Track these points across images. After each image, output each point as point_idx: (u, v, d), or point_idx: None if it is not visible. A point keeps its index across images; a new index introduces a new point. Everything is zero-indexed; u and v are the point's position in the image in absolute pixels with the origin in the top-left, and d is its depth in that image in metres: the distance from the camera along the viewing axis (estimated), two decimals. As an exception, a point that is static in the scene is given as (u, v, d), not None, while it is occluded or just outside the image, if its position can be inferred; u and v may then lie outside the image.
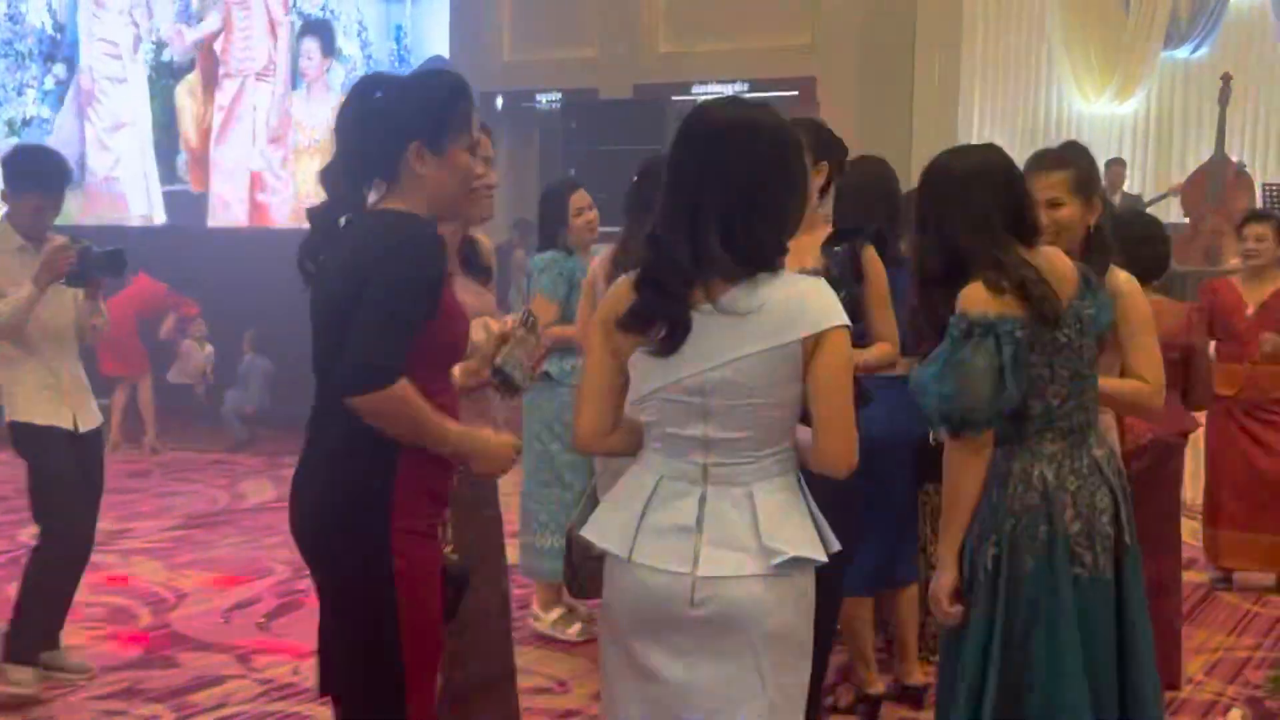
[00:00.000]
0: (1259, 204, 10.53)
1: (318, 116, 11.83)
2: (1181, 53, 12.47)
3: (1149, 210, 10.01)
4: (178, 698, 4.48)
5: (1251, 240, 5.99)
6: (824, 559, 2.35)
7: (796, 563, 2.30)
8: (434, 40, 13.03)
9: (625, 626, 2.38)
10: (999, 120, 13.20)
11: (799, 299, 2.30)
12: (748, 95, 13.99)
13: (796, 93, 13.54)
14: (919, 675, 4.41)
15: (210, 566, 6.28)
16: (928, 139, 13.05)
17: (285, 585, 5.92)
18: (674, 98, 14.48)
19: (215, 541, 6.81)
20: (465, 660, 3.31)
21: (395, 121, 2.58)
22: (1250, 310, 5.97)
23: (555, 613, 5.16)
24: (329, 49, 12.07)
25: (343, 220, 2.64)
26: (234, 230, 12.28)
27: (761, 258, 2.31)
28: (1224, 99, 11.05)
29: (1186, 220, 10.73)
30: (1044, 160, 3.36)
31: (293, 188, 12.14)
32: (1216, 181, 10.66)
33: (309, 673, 4.72)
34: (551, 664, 4.86)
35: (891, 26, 12.87)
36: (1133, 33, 12.33)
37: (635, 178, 4.38)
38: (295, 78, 12.50)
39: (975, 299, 2.74)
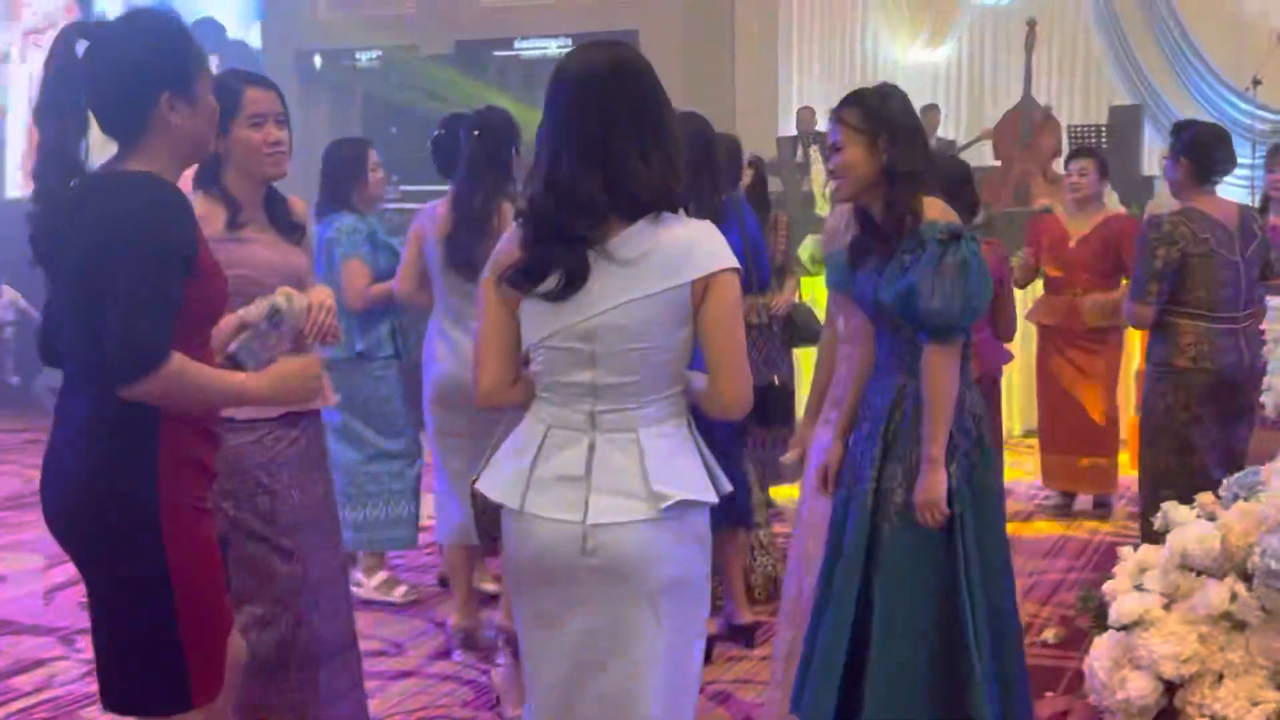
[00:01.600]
0: (1064, 145, 10.93)
1: None
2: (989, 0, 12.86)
3: (963, 154, 10.35)
4: (1, 680, 4.34)
5: (1075, 174, 6.25)
6: (714, 500, 2.39)
7: (687, 505, 2.33)
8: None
9: (527, 577, 2.39)
10: (818, 69, 13.41)
11: (687, 242, 2.31)
12: (570, 49, 14.07)
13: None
14: (748, 615, 4.50)
15: (29, 549, 6.06)
16: (750, 88, 13.25)
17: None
18: (496, 53, 14.42)
19: (30, 523, 6.57)
20: (317, 627, 3.28)
21: (139, 74, 2.42)
22: (1073, 243, 6.22)
23: (379, 577, 5.12)
24: (86, 13, 11.22)
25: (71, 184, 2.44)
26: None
27: (664, 197, 2.32)
28: (1030, 44, 11.39)
29: (998, 163, 11.05)
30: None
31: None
32: (1025, 124, 10.98)
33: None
34: (385, 627, 4.83)
35: (709, -24, 12.99)
36: (943, -20, 12.66)
37: (475, 132, 4.32)
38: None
39: (941, 209, 3.01)
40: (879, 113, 3.12)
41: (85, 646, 4.64)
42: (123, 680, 2.49)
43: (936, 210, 3.06)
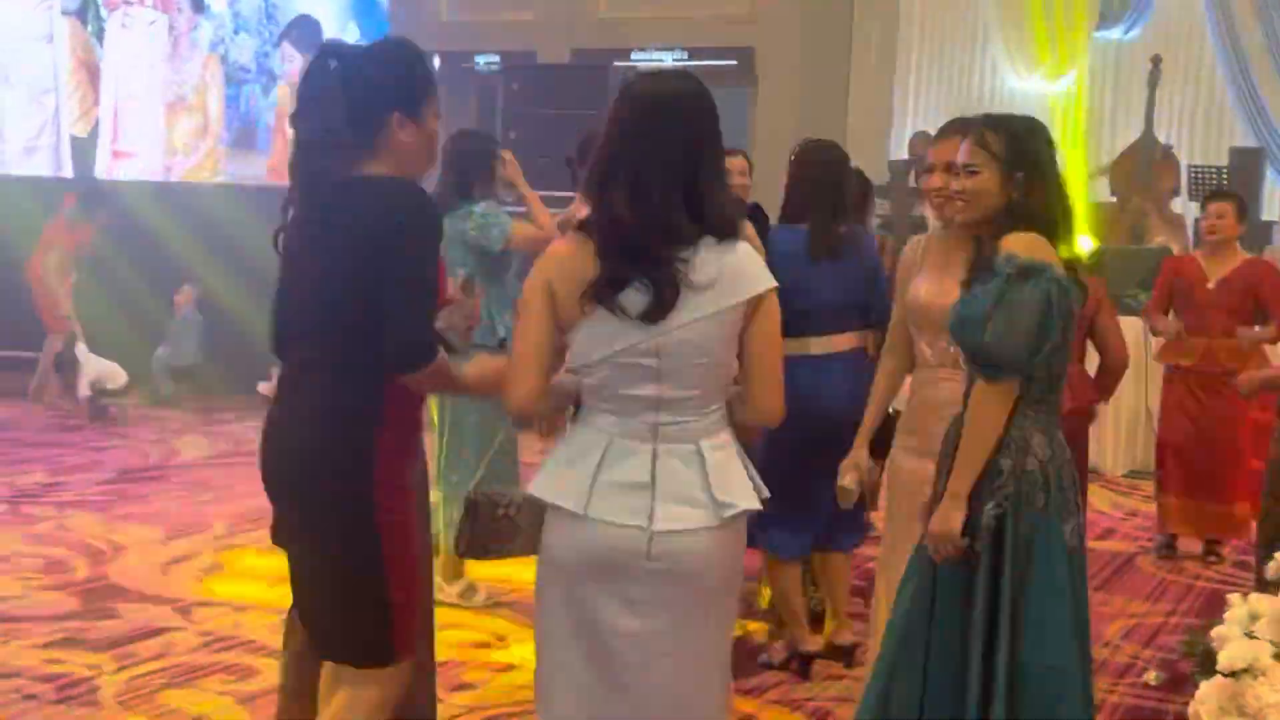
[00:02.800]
0: (1184, 185, 10.80)
1: (184, 73, 11.40)
2: (1114, 33, 12.70)
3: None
4: (118, 648, 4.49)
5: (1213, 217, 6.20)
6: (759, 508, 2.48)
7: (739, 514, 2.44)
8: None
9: (576, 578, 2.44)
10: (934, 95, 13.35)
11: (740, 263, 2.42)
12: (687, 64, 14.12)
13: (735, 62, 13.65)
14: (849, 635, 4.53)
15: (147, 520, 6.26)
16: (863, 113, 13.24)
17: (223, 541, 5.93)
18: (614, 64, 14.53)
19: (150, 496, 6.78)
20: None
21: (377, 91, 2.69)
22: (1211, 284, 6.17)
23: (459, 585, 5.10)
24: (197, 5, 11.35)
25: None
26: (154, 184, 11.93)
27: (731, 225, 2.41)
28: (1153, 81, 11.27)
29: (1114, 199, 10.94)
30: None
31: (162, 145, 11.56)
32: (1143, 162, 10.88)
33: (250, 625, 4.80)
34: (486, 620, 4.92)
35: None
36: (1066, 12, 12.53)
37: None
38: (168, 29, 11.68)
39: (1027, 244, 2.86)
40: (1023, 146, 2.99)
41: (202, 619, 4.84)
42: (332, 635, 2.76)
43: (1027, 240, 2.89)
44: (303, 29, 11.41)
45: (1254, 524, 6.25)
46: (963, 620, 2.95)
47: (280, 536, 2.84)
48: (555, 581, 2.50)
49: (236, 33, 11.11)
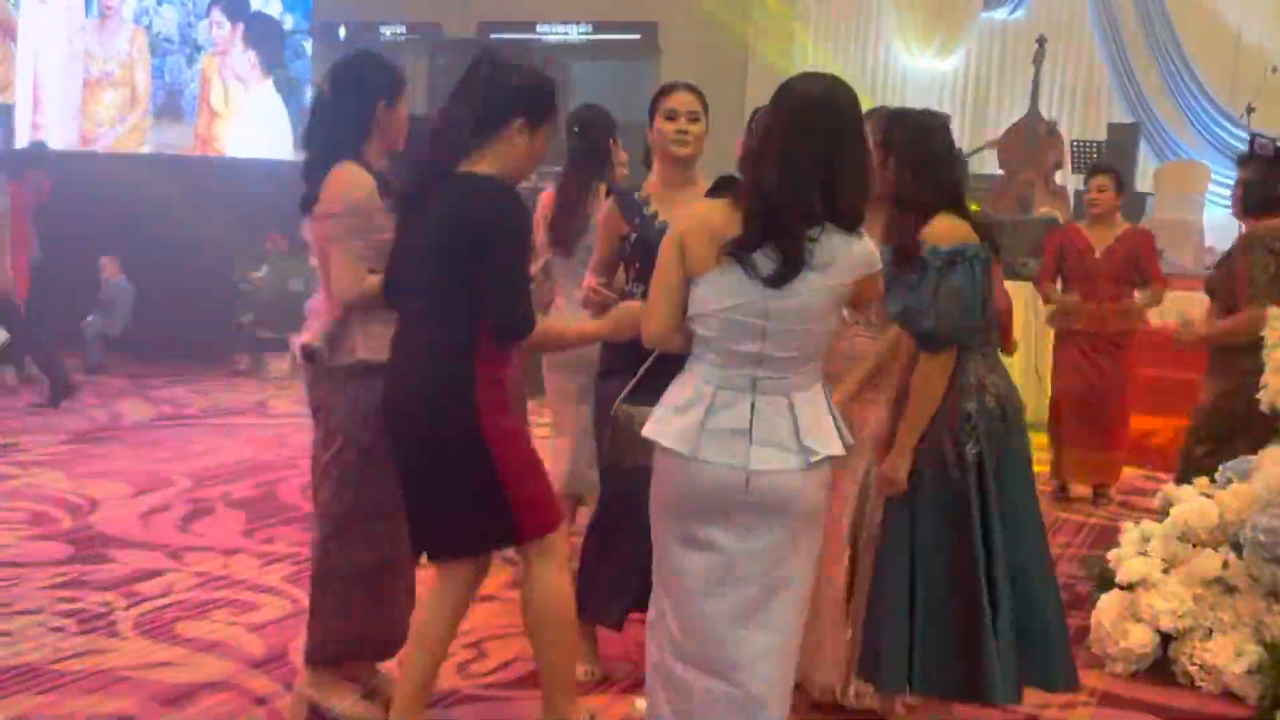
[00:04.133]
0: (1068, 159, 11.51)
1: (111, 46, 11.52)
2: (1000, 14, 13.41)
3: (967, 162, 10.89)
4: (125, 586, 4.85)
5: (1095, 190, 6.80)
6: (844, 454, 2.91)
7: (825, 457, 2.86)
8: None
9: (687, 509, 2.86)
10: (829, 67, 13.76)
11: (852, 250, 2.80)
12: (592, 37, 14.49)
13: (639, 36, 14.06)
14: None
15: (112, 477, 6.55)
16: (764, 87, 13.73)
17: (190, 494, 6.27)
18: (517, 35, 14.80)
19: (109, 456, 7.06)
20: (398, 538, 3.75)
21: (508, 99, 3.25)
22: (1097, 253, 6.77)
23: None
24: None
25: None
26: (86, 154, 12.13)
27: (857, 217, 2.81)
28: (1038, 59, 11.95)
29: (1001, 172, 11.60)
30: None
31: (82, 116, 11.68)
32: (1029, 137, 11.53)
33: (239, 567, 5.17)
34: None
35: (730, -26, 13.38)
36: (956, -8, 13.20)
37: (575, 128, 4.83)
38: (89, 3, 11.98)
39: (948, 232, 3.34)
40: (887, 135, 3.49)
41: (193, 561, 5.20)
42: (457, 531, 3.37)
43: (944, 228, 3.37)
44: (231, 4, 11.61)
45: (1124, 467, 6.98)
46: (961, 544, 3.41)
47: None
48: (665, 511, 2.92)
49: (160, 4, 11.24)
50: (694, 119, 3.93)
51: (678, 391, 2.90)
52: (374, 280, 3.51)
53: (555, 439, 4.97)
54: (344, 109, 3.59)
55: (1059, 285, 6.96)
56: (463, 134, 3.24)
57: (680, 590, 2.92)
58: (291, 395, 9.23)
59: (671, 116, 3.93)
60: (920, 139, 3.47)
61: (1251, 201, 3.84)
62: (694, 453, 2.81)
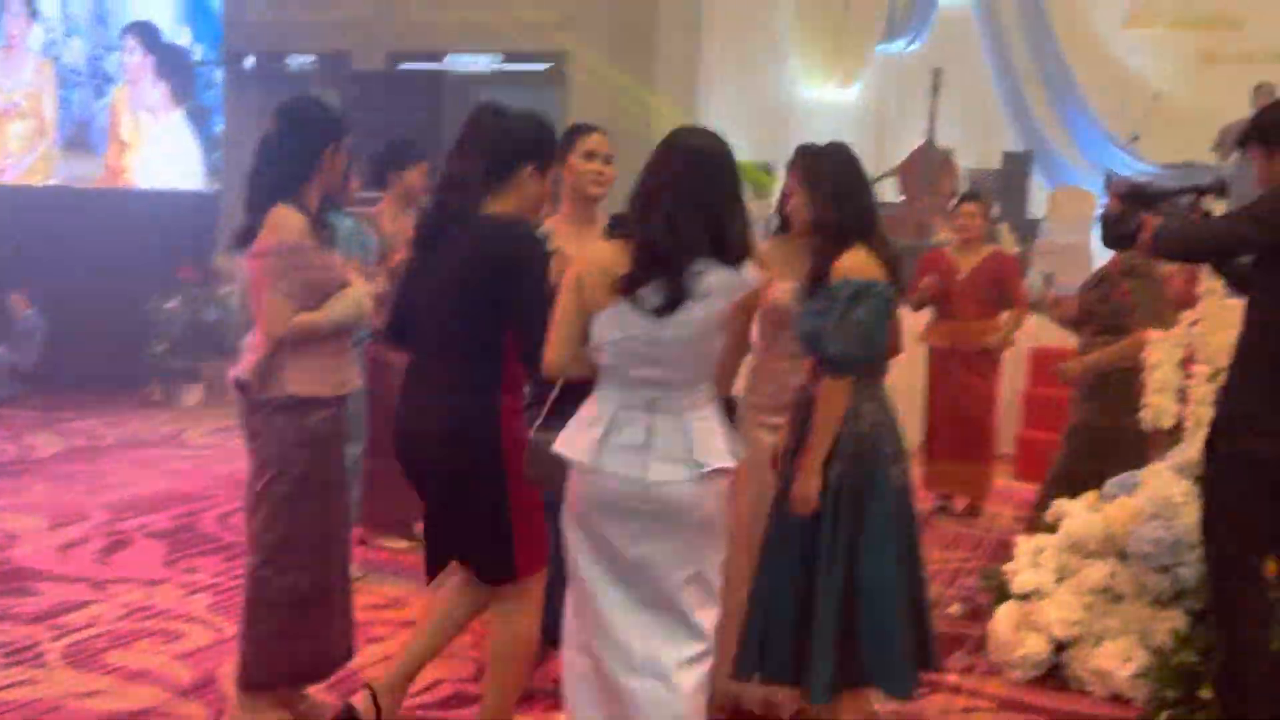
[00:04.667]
0: (963, 186, 11.91)
1: (16, 78, 11.35)
2: (897, 47, 13.83)
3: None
4: (50, 618, 4.90)
5: (965, 217, 7.13)
6: (734, 466, 3.14)
7: (718, 470, 3.10)
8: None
9: (594, 517, 3.11)
10: (734, 100, 14.16)
11: (726, 276, 3.06)
12: (502, 67, 14.63)
13: (549, 66, 14.24)
14: None
15: (29, 511, 6.55)
16: (669, 117, 13.99)
17: (108, 526, 6.30)
18: (426, 65, 14.87)
19: (23, 489, 7.05)
20: (330, 565, 3.90)
21: (519, 146, 3.53)
22: (962, 276, 7.10)
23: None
24: (30, 9, 11.23)
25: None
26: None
27: (741, 253, 3.07)
28: (935, 90, 12.35)
29: (902, 199, 11.97)
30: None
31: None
32: (926, 165, 11.92)
33: (163, 597, 5.24)
34: (386, 586, 5.47)
35: (637, 7, 13.59)
36: (853, 27, 13.58)
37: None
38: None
39: (860, 267, 3.56)
40: (813, 170, 3.75)
41: (116, 593, 5.26)
42: (478, 556, 3.59)
43: (855, 263, 3.60)
44: (144, 31, 11.59)
45: (993, 480, 7.34)
46: (811, 559, 3.66)
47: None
48: (576, 519, 3.15)
49: (69, 36, 11.20)
50: (608, 161, 4.15)
51: (584, 412, 3.16)
52: (304, 319, 3.66)
53: None
54: (290, 151, 3.72)
55: (929, 307, 7.23)
56: (476, 181, 3.50)
57: (588, 595, 3.14)
58: (207, 425, 9.25)
59: (590, 157, 4.13)
60: (838, 172, 3.70)
61: (1108, 237, 4.12)
62: (597, 464, 3.06)
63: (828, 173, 3.71)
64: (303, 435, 3.72)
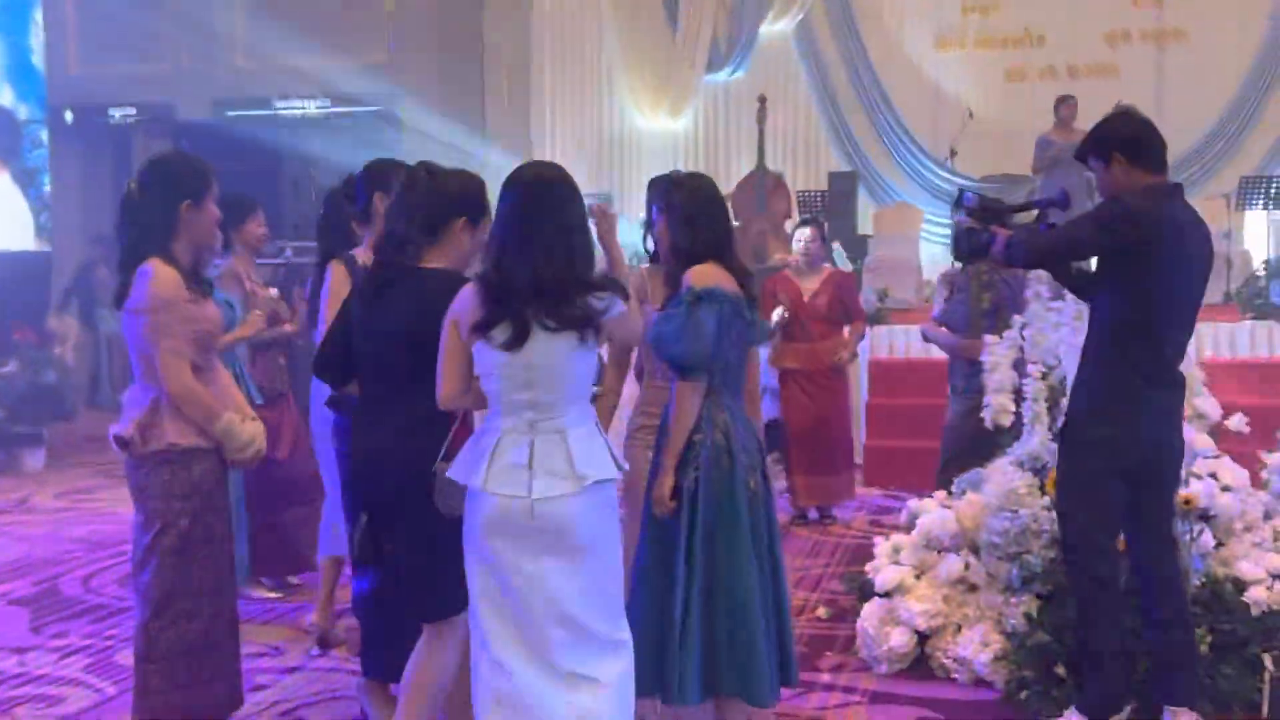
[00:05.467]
0: (794, 207, 12.31)
1: None
2: (722, 75, 14.22)
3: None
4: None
5: (805, 241, 7.44)
6: (618, 477, 3.30)
7: (601, 482, 3.24)
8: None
9: (484, 536, 3.22)
10: (569, 134, 14.35)
11: (568, 307, 3.21)
12: (330, 111, 14.59)
13: (379, 108, 14.25)
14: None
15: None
16: (502, 152, 14.15)
17: None
18: (253, 112, 14.74)
19: None
20: (219, 614, 3.95)
21: (452, 202, 3.67)
22: (806, 298, 7.40)
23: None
24: None
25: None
26: None
27: (577, 286, 3.21)
28: (761, 117, 12.76)
29: (737, 224, 12.29)
30: None
31: None
32: (758, 189, 12.28)
33: (35, 662, 5.17)
34: (261, 635, 5.47)
35: (464, 46, 13.71)
36: (679, 58, 13.92)
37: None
38: None
39: (706, 275, 3.76)
40: (666, 197, 4.00)
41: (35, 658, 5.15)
42: (424, 596, 3.60)
43: (703, 271, 3.83)
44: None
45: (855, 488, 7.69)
46: (672, 563, 3.84)
47: (365, 548, 3.67)
48: (472, 540, 3.26)
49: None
50: None
51: (474, 439, 3.32)
52: (203, 403, 3.82)
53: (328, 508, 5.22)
54: (150, 208, 3.78)
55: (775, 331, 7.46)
56: (413, 236, 3.63)
57: (488, 610, 3.26)
58: (53, 489, 9.04)
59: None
60: (693, 198, 3.94)
61: (961, 250, 4.42)
62: (482, 486, 3.21)
63: (680, 200, 3.94)
64: (187, 486, 3.77)
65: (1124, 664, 4.17)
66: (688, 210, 3.92)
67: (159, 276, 3.71)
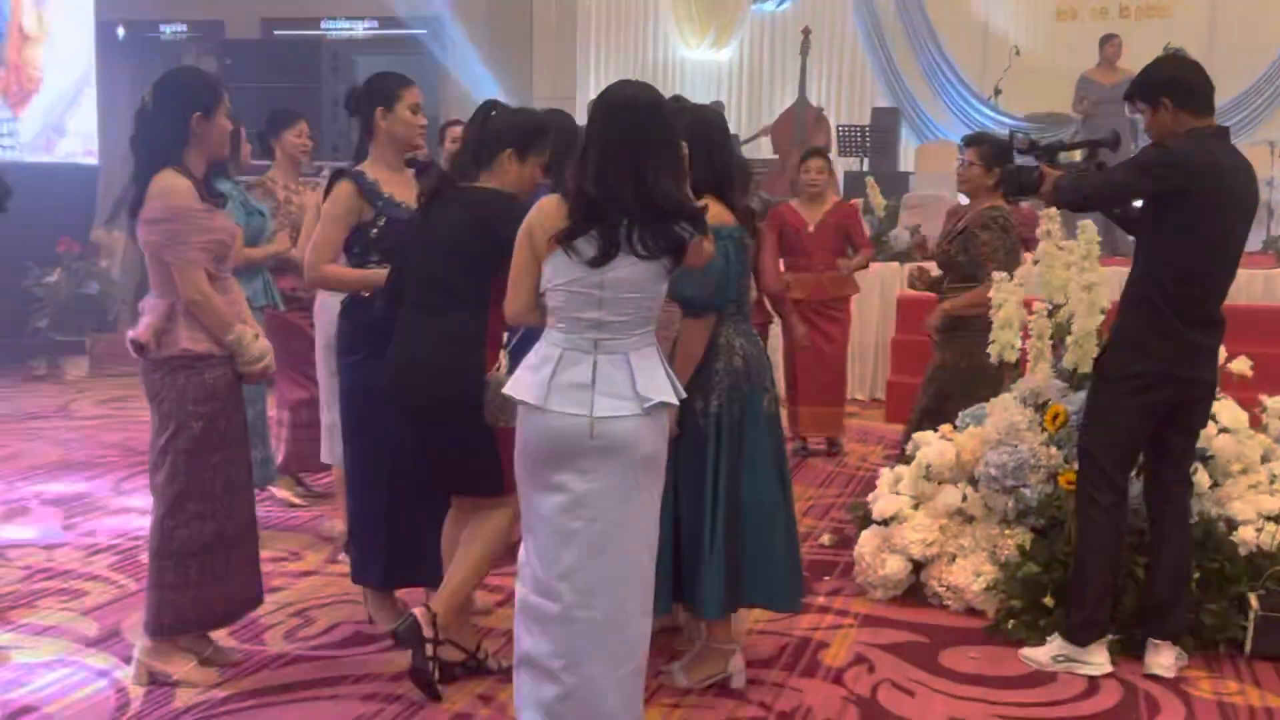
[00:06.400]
0: (834, 141, 12.29)
1: None
2: (768, 7, 14.15)
3: (744, 148, 11.56)
4: (-48, 583, 5.02)
5: (813, 172, 7.49)
6: (676, 402, 3.35)
7: (660, 405, 3.28)
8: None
9: (541, 455, 3.26)
10: (613, 62, 14.40)
11: (653, 231, 3.23)
12: (378, 32, 14.67)
13: (425, 31, 14.31)
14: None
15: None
16: (548, 78, 14.21)
17: (3, 495, 6.41)
18: (301, 32, 14.84)
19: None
20: (232, 515, 4.10)
21: (501, 135, 4.03)
22: (811, 228, 7.48)
23: None
24: None
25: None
26: None
27: (676, 209, 3.24)
28: (804, 50, 12.71)
29: (776, 156, 12.31)
30: None
31: None
32: (800, 123, 12.27)
33: (62, 558, 5.39)
34: (280, 541, 5.66)
35: (512, -32, 13.74)
36: (727, -12, 13.88)
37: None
38: None
39: (712, 213, 3.75)
40: (693, 134, 3.91)
41: (15, 557, 5.40)
42: (468, 476, 3.98)
43: (708, 211, 3.77)
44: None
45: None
46: (698, 482, 3.97)
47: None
48: (528, 459, 3.30)
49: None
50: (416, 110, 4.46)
51: (532, 355, 3.34)
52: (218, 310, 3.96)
53: (327, 414, 5.35)
54: (163, 120, 3.90)
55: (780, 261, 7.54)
56: (467, 160, 3.98)
57: (540, 531, 3.31)
58: (94, 396, 9.29)
59: (416, 111, 4.41)
60: (697, 128, 3.95)
61: (1010, 188, 4.46)
62: (544, 403, 3.23)
63: (688, 129, 3.88)
64: (201, 391, 3.92)
65: (1110, 595, 4.27)
66: (695, 139, 3.87)
67: (171, 186, 3.84)
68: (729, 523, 3.95)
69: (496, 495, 3.95)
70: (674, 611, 4.28)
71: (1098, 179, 4.31)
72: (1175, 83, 4.13)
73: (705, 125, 4.05)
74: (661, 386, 3.30)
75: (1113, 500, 4.23)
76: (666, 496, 3.94)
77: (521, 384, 3.31)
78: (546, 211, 3.31)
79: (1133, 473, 4.36)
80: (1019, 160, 4.65)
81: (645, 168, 3.20)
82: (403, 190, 4.34)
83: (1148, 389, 4.14)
